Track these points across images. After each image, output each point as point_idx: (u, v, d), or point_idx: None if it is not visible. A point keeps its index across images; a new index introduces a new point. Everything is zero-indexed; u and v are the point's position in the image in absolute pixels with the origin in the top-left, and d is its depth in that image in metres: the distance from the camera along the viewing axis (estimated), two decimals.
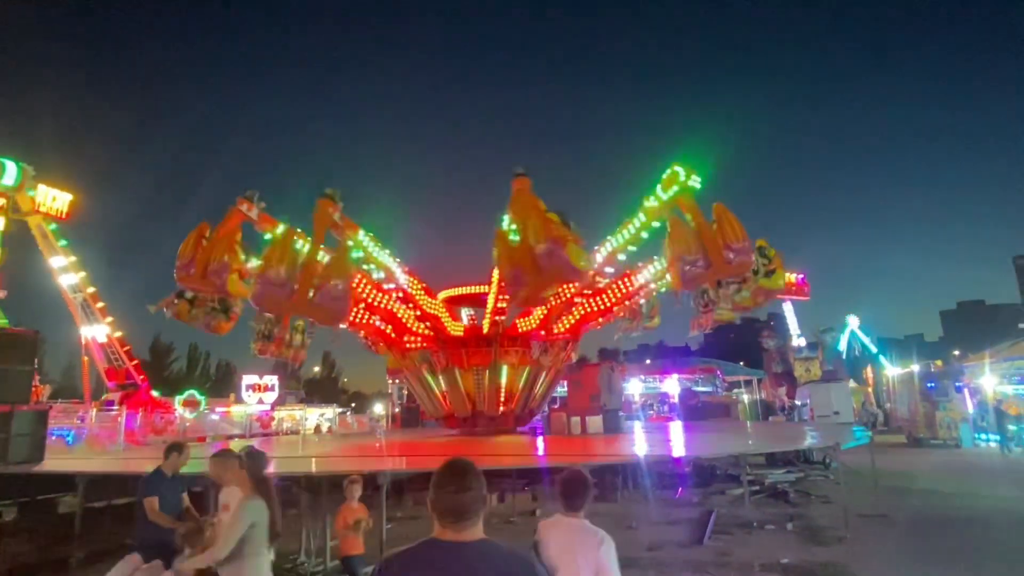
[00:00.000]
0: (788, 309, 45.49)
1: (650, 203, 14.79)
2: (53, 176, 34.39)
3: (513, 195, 13.19)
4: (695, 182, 13.88)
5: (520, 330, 19.38)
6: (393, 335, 19.35)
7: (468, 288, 20.87)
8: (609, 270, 17.52)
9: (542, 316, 19.04)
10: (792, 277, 40.03)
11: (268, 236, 15.24)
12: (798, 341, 43.71)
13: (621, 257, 16.36)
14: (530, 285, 12.68)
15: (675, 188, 13.95)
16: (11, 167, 30.54)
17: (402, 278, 17.98)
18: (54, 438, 17.52)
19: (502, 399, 18.82)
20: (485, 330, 19.15)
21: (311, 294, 12.45)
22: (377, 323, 18.72)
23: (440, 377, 19.27)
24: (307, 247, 13.52)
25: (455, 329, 19.55)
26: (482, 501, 2.02)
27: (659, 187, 14.39)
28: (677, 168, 13.98)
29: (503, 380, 18.69)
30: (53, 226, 33.66)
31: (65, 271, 33.87)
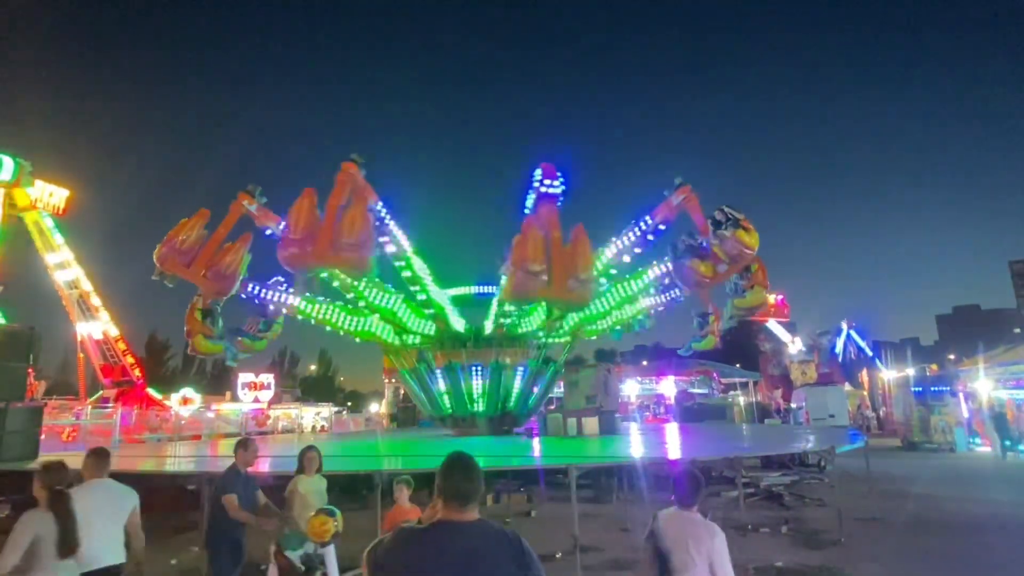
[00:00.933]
0: (774, 324, 45.71)
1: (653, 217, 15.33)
2: (50, 172, 34.36)
3: (338, 179, 13.27)
4: (554, 188, 14.14)
5: (520, 331, 19.40)
6: (391, 338, 19.37)
7: (467, 288, 20.81)
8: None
9: (544, 319, 19.06)
10: (771, 298, 40.06)
11: (268, 231, 15.33)
12: (794, 345, 43.87)
13: (626, 258, 16.58)
14: (543, 291, 12.79)
15: (682, 196, 14.34)
16: (8, 162, 30.45)
17: (417, 262, 17.84)
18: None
19: (501, 399, 18.82)
20: (487, 330, 19.13)
21: (334, 243, 12.41)
22: (376, 323, 18.76)
23: (439, 376, 19.26)
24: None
25: (457, 326, 19.49)
26: (481, 489, 2.38)
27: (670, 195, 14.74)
28: (682, 182, 14.48)
29: (502, 380, 18.68)
30: (50, 222, 33.58)
31: (61, 267, 33.80)
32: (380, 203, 15.70)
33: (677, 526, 3.59)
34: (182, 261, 13.69)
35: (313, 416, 37.13)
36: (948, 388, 23.31)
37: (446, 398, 19.27)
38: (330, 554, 5.65)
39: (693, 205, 14.55)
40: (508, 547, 2.31)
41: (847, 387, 35.23)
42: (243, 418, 29.85)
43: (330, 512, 5.55)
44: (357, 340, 19.87)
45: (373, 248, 13.24)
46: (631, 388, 38.28)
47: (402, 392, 30.96)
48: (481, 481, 2.37)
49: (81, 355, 35.19)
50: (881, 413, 33.36)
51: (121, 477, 13.26)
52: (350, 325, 18.60)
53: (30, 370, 15.93)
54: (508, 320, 18.73)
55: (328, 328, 18.62)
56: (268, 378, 43.52)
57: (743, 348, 49.39)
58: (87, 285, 34.21)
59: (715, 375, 40.91)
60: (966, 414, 22.60)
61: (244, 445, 6.04)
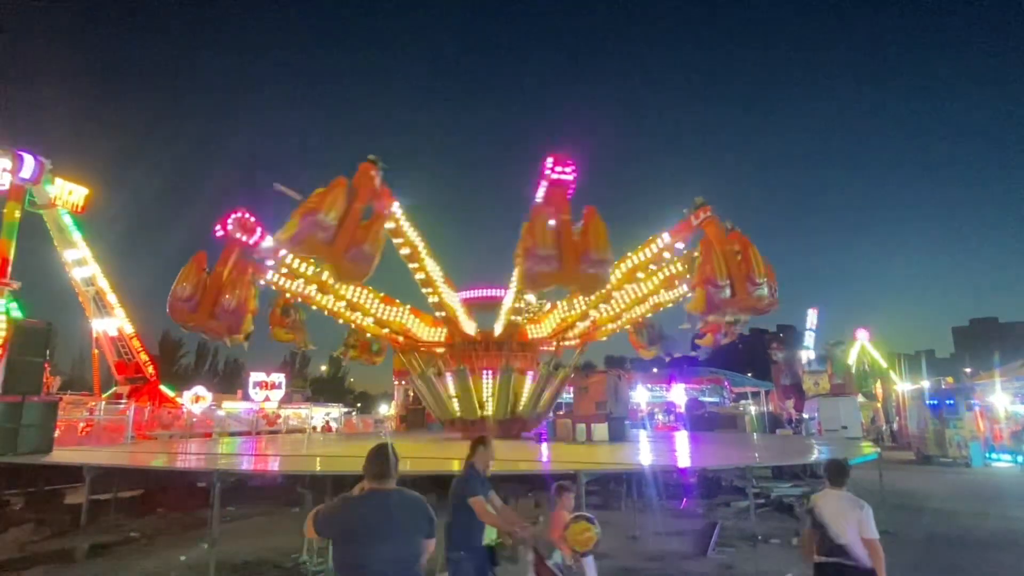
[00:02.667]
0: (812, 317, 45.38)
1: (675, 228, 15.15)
2: (70, 170, 34.84)
3: (356, 178, 13.12)
4: (565, 175, 13.95)
5: (531, 336, 19.37)
6: (402, 339, 19.44)
7: (479, 291, 20.79)
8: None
9: (555, 324, 19.02)
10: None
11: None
12: (807, 354, 43.40)
13: (640, 275, 16.54)
14: (555, 275, 12.77)
15: (703, 216, 14.28)
16: (29, 160, 30.92)
17: (429, 263, 17.88)
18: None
19: (511, 404, 18.79)
20: (497, 333, 19.11)
21: (345, 249, 12.47)
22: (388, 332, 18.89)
23: (449, 379, 19.27)
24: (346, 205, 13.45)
25: (468, 329, 19.50)
26: (395, 467, 3.34)
27: (689, 214, 14.67)
28: (700, 199, 14.38)
29: (512, 384, 18.65)
30: (69, 219, 34.05)
31: (79, 264, 34.23)
32: (396, 204, 15.80)
33: (832, 503, 4.66)
34: (188, 308, 13.54)
35: (323, 416, 37.29)
36: (964, 401, 22.94)
37: (455, 401, 19.26)
38: (589, 566, 5.32)
39: (712, 229, 14.18)
40: (418, 508, 3.33)
41: (860, 398, 34.79)
42: (254, 416, 30.07)
43: (590, 519, 5.17)
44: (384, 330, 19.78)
45: (374, 263, 13.20)
46: (641, 395, 38.07)
47: (411, 394, 30.99)
48: (393, 462, 3.33)
49: (96, 351, 35.60)
50: (895, 426, 32.94)
51: (131, 473, 13.41)
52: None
53: (46, 365, 16.17)
54: (519, 319, 18.72)
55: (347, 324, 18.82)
56: (279, 378, 43.78)
57: (755, 357, 48.99)
58: (103, 282, 34.62)
59: (727, 384, 40.55)
60: (982, 428, 22.23)
61: (484, 443, 5.52)
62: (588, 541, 5.08)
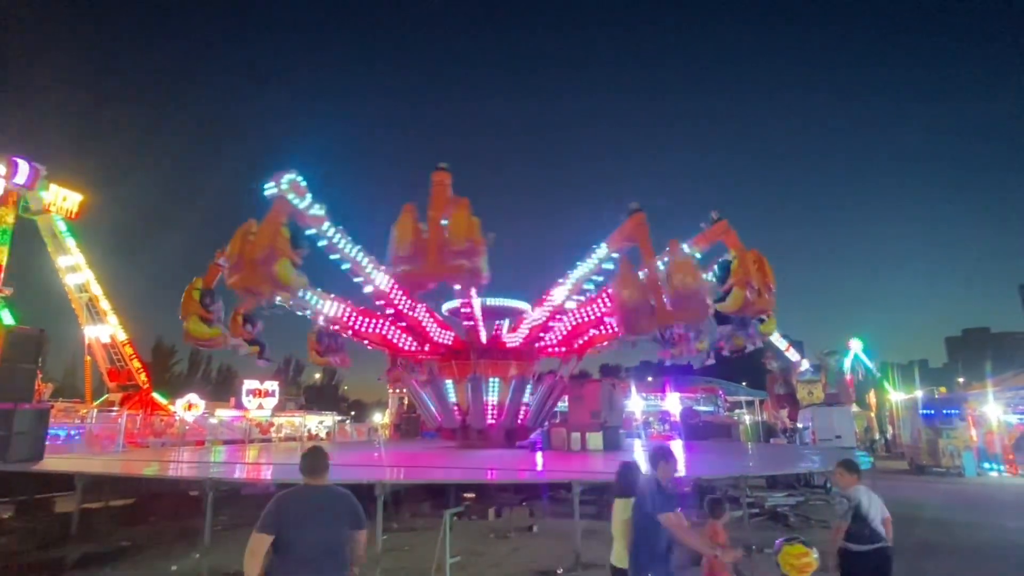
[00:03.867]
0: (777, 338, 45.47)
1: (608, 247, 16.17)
2: (64, 176, 34.75)
3: (432, 188, 13.62)
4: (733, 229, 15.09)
5: (507, 345, 19.38)
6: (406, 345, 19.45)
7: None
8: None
9: (527, 331, 19.12)
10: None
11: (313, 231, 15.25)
12: (801, 364, 43.42)
13: (587, 286, 17.36)
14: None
15: (722, 228, 15.14)
16: (24, 166, 30.84)
17: (378, 277, 17.77)
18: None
19: (504, 412, 18.76)
20: (486, 342, 19.13)
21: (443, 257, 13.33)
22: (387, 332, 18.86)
23: (443, 387, 19.25)
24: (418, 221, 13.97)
25: (443, 339, 19.40)
26: (327, 466, 3.92)
27: (707, 228, 15.55)
28: (719, 217, 15.33)
29: (506, 393, 18.64)
30: (63, 225, 33.92)
31: (72, 270, 34.08)
32: (326, 224, 15.92)
33: (864, 495, 5.24)
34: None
35: (316, 424, 37.08)
36: (957, 411, 23.01)
37: (450, 410, 19.23)
38: None
39: (733, 239, 14.99)
40: (347, 501, 3.86)
41: (854, 408, 34.84)
42: (248, 425, 29.89)
43: (805, 542, 4.84)
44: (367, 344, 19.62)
45: (485, 252, 13.68)
46: (636, 404, 38.03)
47: (406, 402, 30.90)
48: (324, 461, 3.91)
49: (88, 358, 35.36)
50: (889, 435, 32.96)
51: (124, 481, 13.31)
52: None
53: (38, 372, 16.05)
54: (499, 329, 18.82)
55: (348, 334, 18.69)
56: (273, 385, 43.54)
57: (749, 366, 49.04)
58: (97, 289, 34.45)
59: (721, 393, 40.56)
60: (975, 438, 22.29)
61: (665, 456, 4.92)
62: (806, 568, 4.65)
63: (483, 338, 19.18)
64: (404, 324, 18.51)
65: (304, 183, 14.65)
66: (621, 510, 4.97)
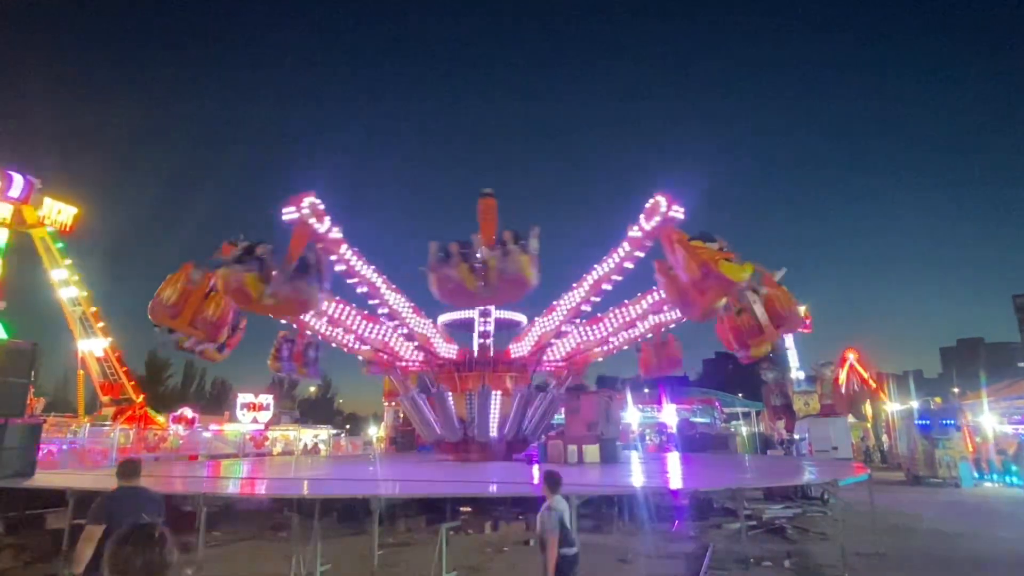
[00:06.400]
0: (790, 342, 45.32)
1: (632, 233, 15.25)
2: (58, 189, 34.72)
3: (480, 214, 13.70)
4: (677, 212, 14.20)
5: (513, 356, 19.37)
6: (386, 357, 19.38)
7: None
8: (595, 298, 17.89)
9: (534, 343, 19.08)
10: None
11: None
12: (797, 374, 43.45)
13: (606, 286, 16.73)
14: (699, 304, 13.77)
15: (656, 218, 14.39)
16: (18, 179, 30.81)
17: (392, 297, 17.93)
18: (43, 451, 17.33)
19: (500, 425, 18.68)
20: (478, 355, 19.15)
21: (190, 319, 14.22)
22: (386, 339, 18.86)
23: (438, 400, 19.18)
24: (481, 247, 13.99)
25: (446, 352, 19.46)
26: (139, 471, 4.98)
27: (641, 217, 14.79)
28: (659, 198, 14.40)
29: (502, 406, 18.58)
30: (57, 240, 33.83)
31: (66, 284, 33.94)
32: (344, 246, 16.20)
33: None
34: (169, 314, 14.28)
35: (311, 438, 36.82)
36: (953, 422, 23.04)
37: (446, 423, 19.14)
38: None
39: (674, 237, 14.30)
40: (155, 501, 4.79)
41: (850, 419, 34.83)
42: (242, 439, 29.63)
43: None
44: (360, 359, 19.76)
45: (223, 324, 14.62)
46: (632, 416, 37.95)
47: (402, 416, 30.75)
48: (138, 468, 5.00)
49: (81, 372, 35.11)
50: (885, 446, 32.93)
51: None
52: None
53: (30, 386, 15.91)
54: (490, 341, 18.82)
55: (332, 345, 18.68)
56: (267, 399, 43.28)
57: (745, 378, 49.07)
58: (90, 302, 34.31)
59: (717, 404, 40.55)
60: (971, 448, 22.30)
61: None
62: None
63: (491, 351, 19.23)
64: (415, 342, 18.75)
65: (322, 206, 14.75)
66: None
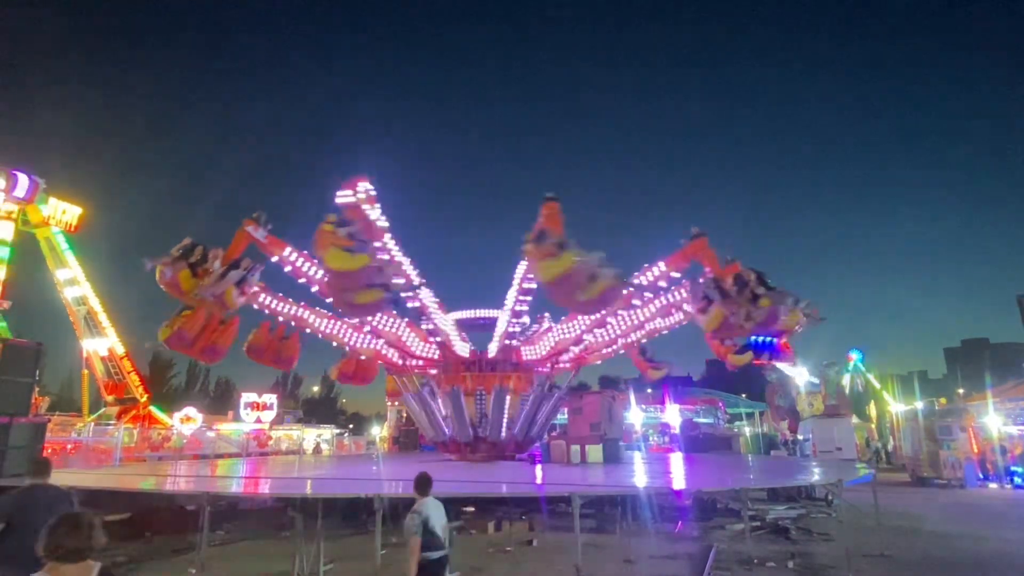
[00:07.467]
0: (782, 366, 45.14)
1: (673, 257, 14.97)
2: (63, 189, 34.82)
3: (544, 219, 13.21)
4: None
5: (525, 357, 19.34)
6: (398, 359, 19.34)
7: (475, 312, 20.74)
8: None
9: (550, 346, 19.01)
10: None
11: (275, 259, 15.15)
12: (801, 375, 43.30)
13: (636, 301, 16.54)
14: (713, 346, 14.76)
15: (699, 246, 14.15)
16: (23, 179, 30.91)
17: (424, 292, 17.89)
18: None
19: (504, 425, 18.66)
20: (491, 354, 19.09)
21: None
22: (382, 348, 18.79)
23: (442, 400, 19.16)
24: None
25: (461, 351, 19.44)
26: (49, 470, 5.37)
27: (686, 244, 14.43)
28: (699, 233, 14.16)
29: (506, 406, 18.55)
30: (62, 239, 33.94)
31: (71, 283, 34.04)
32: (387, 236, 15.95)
33: (437, 506, 5.61)
34: (184, 344, 14.74)
35: (315, 438, 36.85)
36: (957, 422, 22.93)
37: (449, 422, 19.13)
38: None
39: (709, 258, 14.01)
40: (66, 497, 5.16)
41: (854, 420, 34.71)
42: (245, 438, 29.70)
43: None
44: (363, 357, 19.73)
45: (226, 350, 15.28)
46: (636, 416, 37.88)
47: (405, 415, 30.75)
48: (48, 467, 5.41)
49: (86, 371, 35.22)
50: (889, 447, 32.80)
51: (119, 496, 13.17)
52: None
53: (35, 385, 15.95)
54: (512, 343, 18.65)
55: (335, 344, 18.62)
56: (271, 398, 43.33)
57: (749, 378, 48.92)
58: (95, 302, 34.40)
59: (721, 405, 40.43)
60: (976, 449, 22.21)
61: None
62: None
63: (506, 352, 19.17)
64: (438, 337, 18.76)
65: (375, 192, 14.93)
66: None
